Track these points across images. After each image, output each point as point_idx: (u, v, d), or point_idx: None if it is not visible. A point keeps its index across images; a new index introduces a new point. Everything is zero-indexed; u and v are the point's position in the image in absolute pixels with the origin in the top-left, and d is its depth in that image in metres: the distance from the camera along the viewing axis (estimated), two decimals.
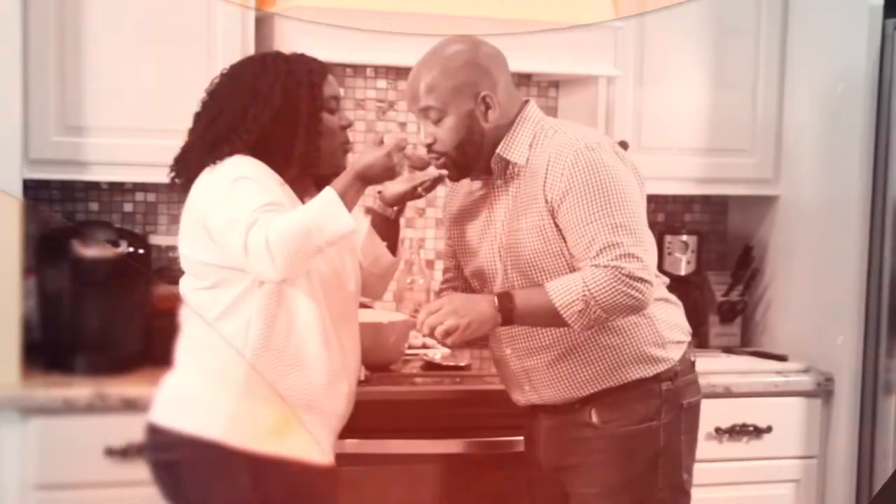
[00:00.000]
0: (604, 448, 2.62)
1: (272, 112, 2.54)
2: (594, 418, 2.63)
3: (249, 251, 2.40)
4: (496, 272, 2.66)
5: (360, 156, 2.53)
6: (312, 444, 2.56)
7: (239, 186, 2.47)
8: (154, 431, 2.57)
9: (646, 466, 2.62)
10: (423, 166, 2.66)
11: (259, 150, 2.53)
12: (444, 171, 2.63)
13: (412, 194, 2.68)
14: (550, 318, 2.49)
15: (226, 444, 2.49)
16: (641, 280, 2.46)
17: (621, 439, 2.61)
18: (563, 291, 2.47)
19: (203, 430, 2.50)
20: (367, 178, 2.52)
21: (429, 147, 2.61)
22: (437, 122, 2.59)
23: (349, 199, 2.47)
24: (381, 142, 2.55)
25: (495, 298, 2.50)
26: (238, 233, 2.41)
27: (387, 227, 2.74)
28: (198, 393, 2.54)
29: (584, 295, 2.45)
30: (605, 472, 2.62)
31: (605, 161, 2.53)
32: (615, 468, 2.62)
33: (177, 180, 2.60)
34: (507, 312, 2.49)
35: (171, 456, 2.54)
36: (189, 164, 2.57)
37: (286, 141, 2.55)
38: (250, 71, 2.61)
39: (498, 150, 2.62)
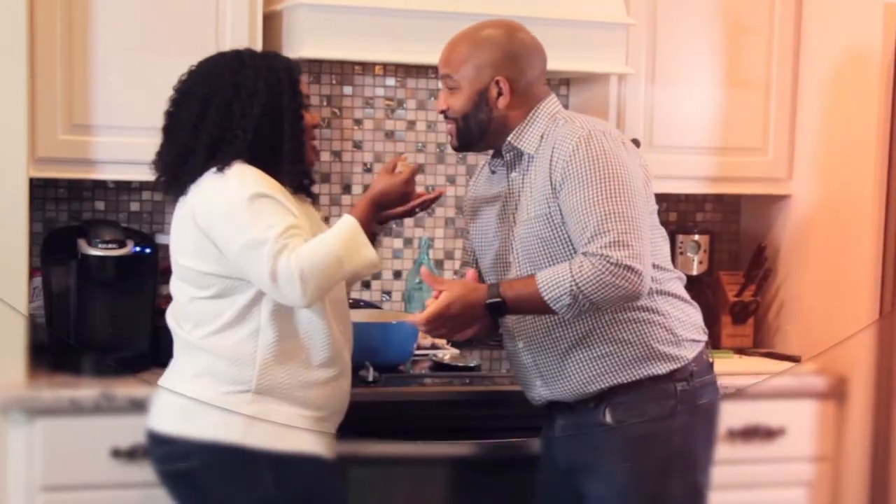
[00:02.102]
0: (618, 448, 2.61)
1: (259, 108, 2.53)
2: (608, 418, 2.61)
3: (280, 279, 2.41)
4: (509, 264, 2.66)
5: (375, 182, 2.65)
6: (324, 444, 2.57)
7: (256, 206, 2.45)
8: (166, 442, 2.56)
9: (660, 467, 2.60)
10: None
11: (253, 149, 2.52)
12: (441, 191, 2.81)
13: (410, 213, 2.76)
14: (542, 308, 2.50)
15: (243, 447, 2.49)
16: (629, 269, 2.44)
17: (635, 439, 2.60)
18: (552, 285, 2.47)
19: (220, 436, 2.49)
20: (383, 204, 2.64)
21: (443, 112, 2.69)
22: (452, 90, 2.66)
23: (366, 227, 2.55)
24: (394, 167, 2.66)
25: (487, 287, 2.53)
26: (264, 259, 2.41)
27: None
28: (210, 399, 2.52)
29: (572, 289, 2.44)
30: (619, 472, 2.60)
31: (606, 149, 2.52)
32: (629, 468, 2.60)
33: (173, 186, 2.58)
34: (494, 295, 2.49)
35: (188, 465, 2.52)
36: (187, 169, 2.54)
37: (276, 138, 2.55)
38: (228, 66, 2.59)
39: (509, 139, 2.65)
